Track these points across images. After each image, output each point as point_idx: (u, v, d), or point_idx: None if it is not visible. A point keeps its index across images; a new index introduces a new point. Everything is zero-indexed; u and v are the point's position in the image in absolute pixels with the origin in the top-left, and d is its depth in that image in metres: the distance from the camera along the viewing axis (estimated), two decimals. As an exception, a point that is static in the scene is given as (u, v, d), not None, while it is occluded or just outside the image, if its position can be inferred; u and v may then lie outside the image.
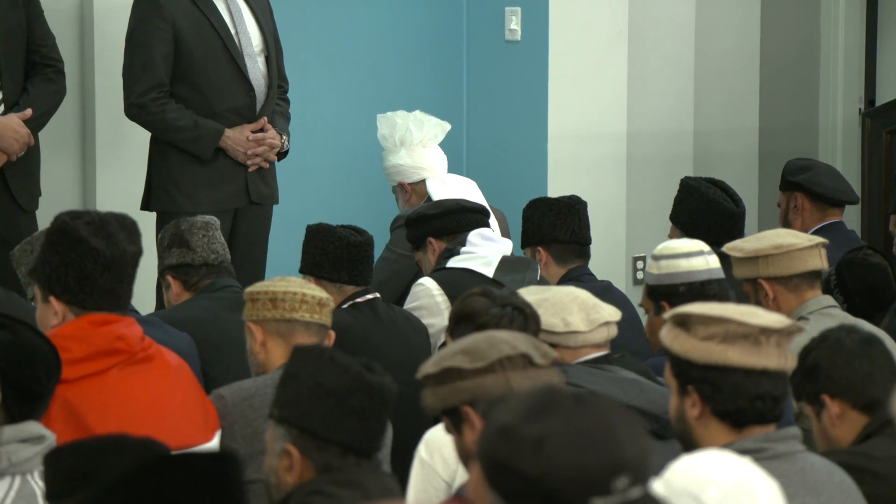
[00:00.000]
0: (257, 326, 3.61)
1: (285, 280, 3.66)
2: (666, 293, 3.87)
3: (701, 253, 3.91)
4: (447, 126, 5.50)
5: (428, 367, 2.86)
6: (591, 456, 1.87)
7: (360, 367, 2.89)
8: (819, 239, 4.14)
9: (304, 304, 3.57)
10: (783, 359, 2.80)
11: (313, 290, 3.61)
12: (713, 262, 3.91)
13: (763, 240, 4.13)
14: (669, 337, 2.82)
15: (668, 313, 2.85)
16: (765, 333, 2.76)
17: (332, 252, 4.22)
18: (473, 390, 2.82)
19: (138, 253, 3.36)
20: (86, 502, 2.32)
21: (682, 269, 3.87)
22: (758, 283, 4.11)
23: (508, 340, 2.86)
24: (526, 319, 3.39)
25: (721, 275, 3.92)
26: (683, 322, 2.80)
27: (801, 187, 5.19)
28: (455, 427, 2.87)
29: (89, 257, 3.29)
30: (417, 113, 5.50)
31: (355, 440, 2.84)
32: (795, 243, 4.08)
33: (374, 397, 2.85)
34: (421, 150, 5.42)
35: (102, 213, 3.37)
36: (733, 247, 4.17)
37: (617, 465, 1.88)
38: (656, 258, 3.93)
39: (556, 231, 4.76)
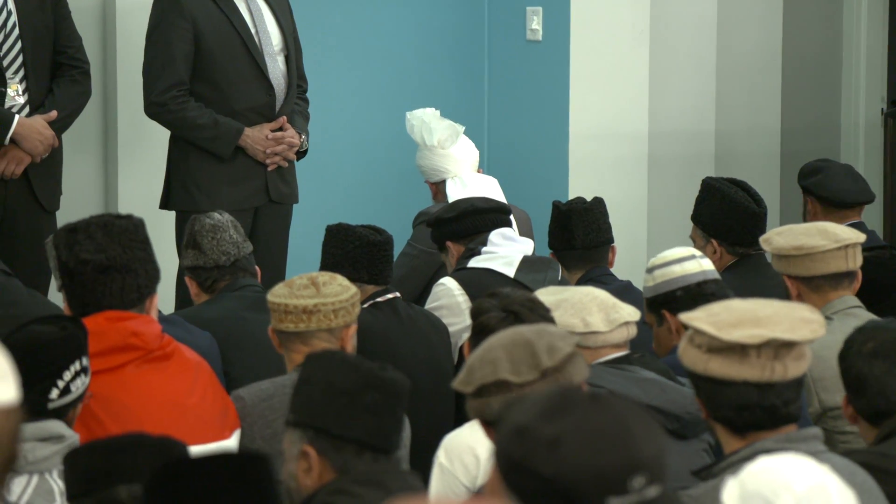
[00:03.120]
0: (275, 333, 3.64)
1: (306, 278, 3.64)
2: (664, 301, 3.89)
3: (693, 257, 3.93)
4: (460, 128, 5.48)
5: (458, 384, 2.83)
6: (606, 455, 1.87)
7: (372, 365, 2.89)
8: (848, 239, 4.08)
9: (289, 315, 3.57)
10: (769, 371, 2.76)
11: (300, 299, 3.57)
12: (706, 264, 3.93)
13: (789, 236, 4.09)
14: (683, 339, 2.84)
15: (683, 316, 2.85)
16: (744, 348, 2.75)
17: (351, 252, 4.22)
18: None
19: (113, 260, 3.41)
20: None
21: (677, 275, 3.89)
22: (784, 278, 4.11)
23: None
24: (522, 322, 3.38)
25: (716, 275, 3.94)
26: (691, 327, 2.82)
27: (810, 191, 5.19)
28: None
29: (58, 263, 3.44)
30: (432, 118, 5.46)
31: (370, 436, 2.84)
32: (817, 245, 4.04)
33: (386, 392, 2.86)
34: (440, 152, 5.42)
35: (94, 218, 3.46)
36: (765, 239, 4.15)
37: (633, 464, 1.88)
38: (650, 270, 3.96)
39: (554, 240, 4.77)
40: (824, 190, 5.16)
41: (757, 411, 2.78)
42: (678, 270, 3.90)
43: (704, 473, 2.82)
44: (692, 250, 3.96)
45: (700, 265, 3.90)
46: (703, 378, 2.78)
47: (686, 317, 2.81)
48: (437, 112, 5.51)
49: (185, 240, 4.23)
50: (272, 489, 2.27)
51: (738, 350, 2.74)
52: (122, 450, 2.60)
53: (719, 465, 2.82)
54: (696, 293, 3.83)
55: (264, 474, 2.27)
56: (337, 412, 2.85)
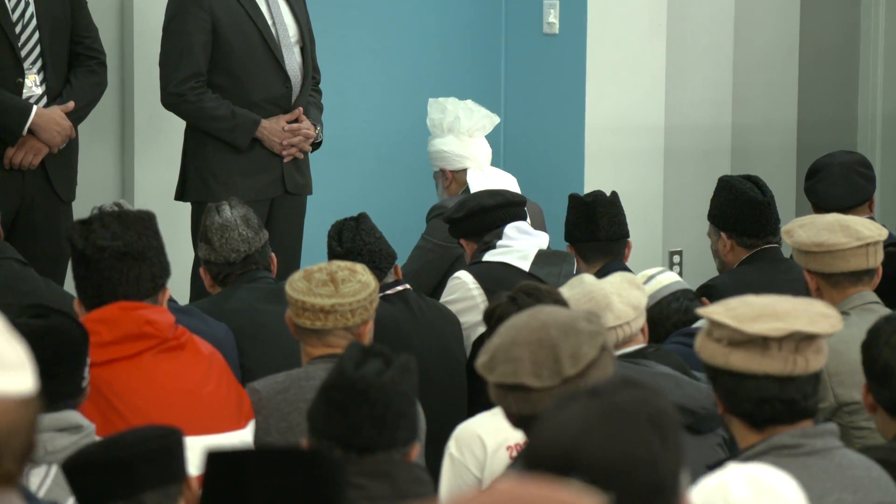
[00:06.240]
0: (292, 325, 3.64)
1: (326, 272, 3.63)
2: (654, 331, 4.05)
3: (649, 279, 4.22)
4: (496, 119, 5.54)
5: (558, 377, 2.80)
6: (548, 448, 1.92)
7: (349, 362, 2.88)
8: (870, 237, 4.05)
9: (306, 312, 3.57)
10: (790, 364, 2.78)
11: (318, 297, 3.57)
12: (663, 280, 4.22)
13: (811, 230, 4.07)
14: (699, 334, 2.83)
15: (702, 310, 2.85)
16: (766, 341, 2.75)
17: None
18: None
19: (130, 246, 3.42)
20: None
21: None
22: (805, 271, 4.10)
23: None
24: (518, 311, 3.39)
25: (673, 288, 4.21)
26: (708, 321, 2.81)
27: (806, 195, 5.21)
28: None
29: (73, 254, 3.45)
30: (469, 102, 5.53)
31: (339, 434, 2.84)
32: (838, 243, 4.00)
33: (348, 391, 2.85)
34: (467, 140, 5.45)
35: (111, 210, 3.48)
36: (787, 231, 4.13)
37: (565, 462, 1.90)
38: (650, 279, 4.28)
39: (575, 230, 4.77)
40: (814, 196, 5.16)
41: (777, 405, 2.78)
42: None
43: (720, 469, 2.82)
44: (649, 273, 4.26)
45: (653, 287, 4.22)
46: (724, 372, 2.78)
47: (705, 311, 2.81)
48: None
49: (200, 231, 4.24)
50: (338, 491, 2.27)
51: (760, 343, 2.75)
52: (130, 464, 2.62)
53: (734, 460, 2.82)
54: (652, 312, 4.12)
55: (332, 475, 2.28)
56: (317, 409, 2.88)
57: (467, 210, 4.62)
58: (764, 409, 2.78)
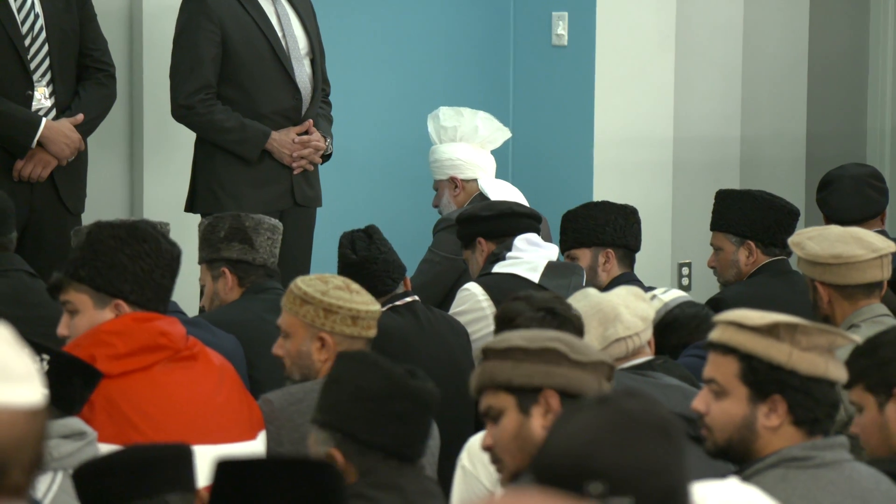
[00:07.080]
0: (331, 337, 3.59)
1: (340, 285, 3.62)
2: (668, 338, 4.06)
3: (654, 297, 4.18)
4: (508, 133, 5.58)
5: (518, 340, 2.81)
6: (562, 456, 1.92)
7: (403, 372, 2.89)
8: (883, 248, 4.04)
9: (373, 322, 3.60)
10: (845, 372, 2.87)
11: (374, 304, 3.61)
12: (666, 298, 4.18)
13: (824, 243, 4.06)
14: (762, 345, 2.77)
15: (750, 320, 2.79)
16: (831, 350, 2.80)
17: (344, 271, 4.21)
18: (569, 379, 2.79)
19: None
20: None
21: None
22: (815, 283, 4.09)
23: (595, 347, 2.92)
24: (560, 323, 3.40)
25: (683, 300, 4.19)
26: (772, 330, 2.77)
27: (818, 206, 5.20)
28: (522, 407, 2.83)
29: (160, 257, 3.40)
30: (484, 113, 5.55)
31: (397, 444, 2.84)
32: (856, 255, 4.00)
33: (416, 402, 2.85)
34: (479, 149, 5.47)
35: (133, 219, 3.51)
36: (796, 243, 4.12)
37: (582, 469, 1.90)
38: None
39: (626, 235, 4.80)
40: (826, 207, 5.15)
41: (835, 411, 2.84)
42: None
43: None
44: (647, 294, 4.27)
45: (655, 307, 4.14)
46: (817, 379, 2.79)
47: (793, 319, 2.78)
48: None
49: (229, 231, 4.20)
50: (339, 499, 2.27)
51: (832, 352, 2.79)
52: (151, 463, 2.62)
53: (746, 471, 2.82)
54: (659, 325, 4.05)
55: (333, 484, 2.29)
56: (365, 418, 2.85)
57: (498, 211, 4.66)
58: (833, 414, 2.82)
